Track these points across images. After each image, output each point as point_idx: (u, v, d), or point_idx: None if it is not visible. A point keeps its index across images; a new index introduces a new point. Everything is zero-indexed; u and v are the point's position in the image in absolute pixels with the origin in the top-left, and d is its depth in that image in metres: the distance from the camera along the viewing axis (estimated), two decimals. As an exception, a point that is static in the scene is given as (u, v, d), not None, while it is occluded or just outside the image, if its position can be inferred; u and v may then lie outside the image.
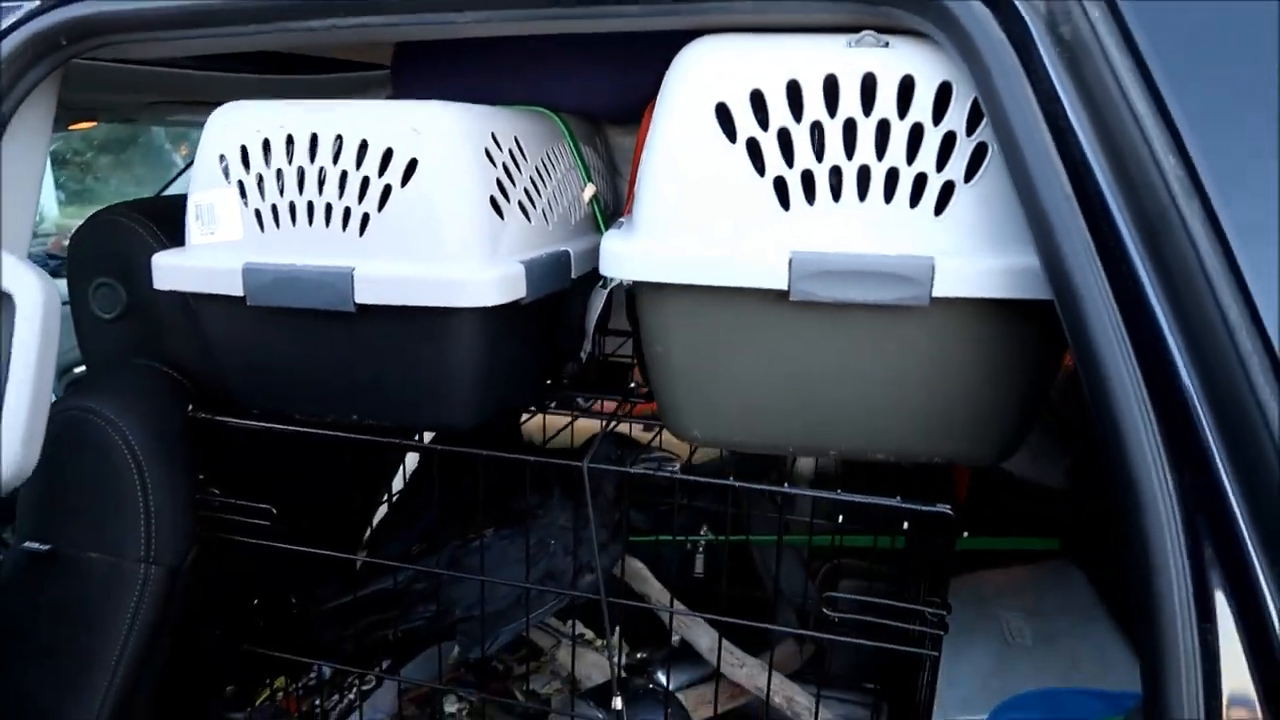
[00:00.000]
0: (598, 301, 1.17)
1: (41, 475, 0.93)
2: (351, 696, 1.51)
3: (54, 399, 0.92)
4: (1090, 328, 0.66)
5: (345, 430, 1.05)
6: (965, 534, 1.50)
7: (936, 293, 0.78)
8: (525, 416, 1.47)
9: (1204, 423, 0.62)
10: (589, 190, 1.15)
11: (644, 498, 1.57)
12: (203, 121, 0.97)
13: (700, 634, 1.44)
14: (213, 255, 0.96)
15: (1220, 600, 0.62)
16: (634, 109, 1.13)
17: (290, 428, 1.07)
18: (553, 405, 1.33)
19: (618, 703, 1.06)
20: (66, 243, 1.21)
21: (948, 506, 0.87)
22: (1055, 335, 0.69)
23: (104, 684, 1.06)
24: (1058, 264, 0.67)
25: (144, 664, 1.07)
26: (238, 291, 0.93)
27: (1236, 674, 0.61)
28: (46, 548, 1.08)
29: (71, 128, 2.18)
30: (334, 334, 0.94)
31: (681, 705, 1.21)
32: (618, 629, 1.55)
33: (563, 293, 1.04)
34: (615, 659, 1.42)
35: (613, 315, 1.25)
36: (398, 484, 1.54)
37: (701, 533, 1.67)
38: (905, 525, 1.22)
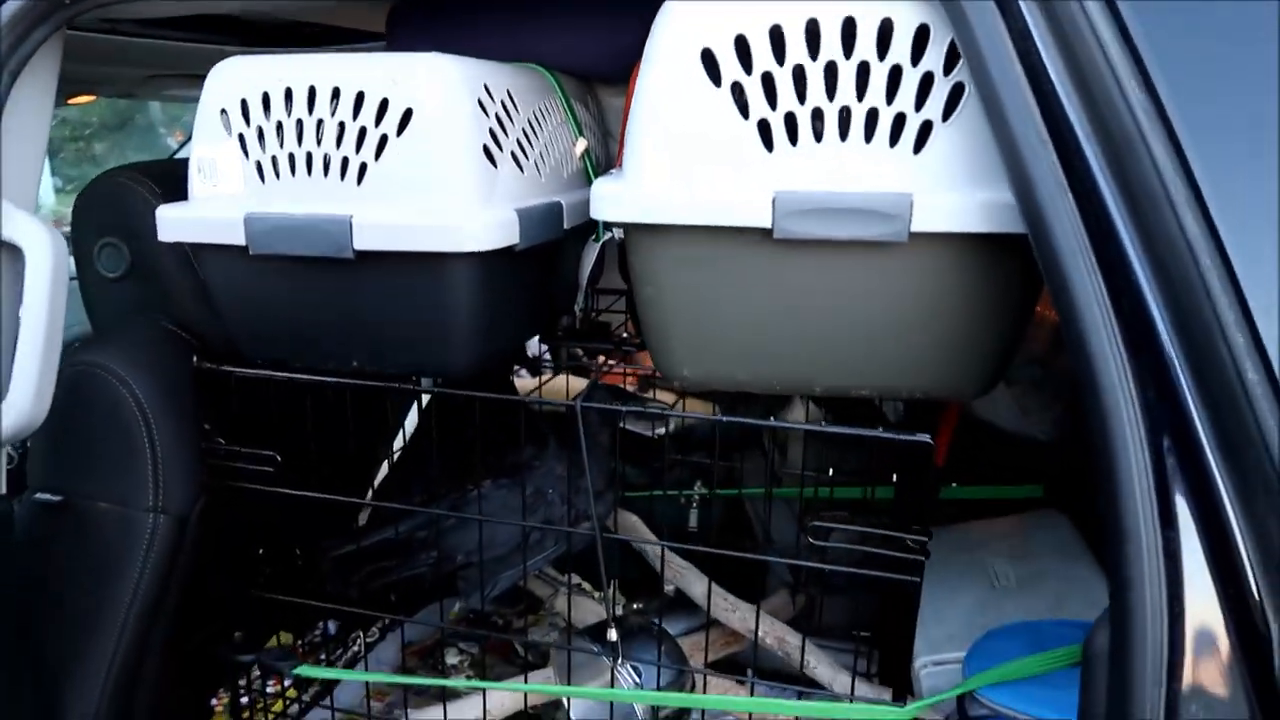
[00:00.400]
0: (590, 255, 1.20)
1: (52, 428, 0.96)
2: (356, 649, 1.55)
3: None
4: (1061, 257, 0.68)
5: (346, 378, 1.08)
6: (954, 485, 1.54)
7: (915, 228, 0.80)
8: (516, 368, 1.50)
9: (1168, 342, 0.65)
10: (580, 144, 1.17)
11: (639, 454, 1.60)
12: (197, 96, 0.99)
13: (693, 580, 1.47)
14: (215, 206, 0.98)
15: (1182, 508, 0.65)
16: (624, 69, 1.15)
17: (292, 375, 1.09)
18: (545, 352, 1.36)
19: (613, 634, 1.09)
20: (67, 229, 1.24)
21: (927, 435, 0.90)
22: (1032, 270, 0.72)
23: (116, 630, 1.09)
24: (1030, 197, 0.70)
25: (155, 610, 1.10)
26: (240, 241, 0.96)
27: (1198, 577, 0.65)
28: (58, 498, 1.11)
29: (70, 102, 2.20)
30: (333, 281, 0.97)
31: (676, 644, 1.24)
32: (614, 582, 1.59)
33: (556, 244, 1.07)
34: (609, 594, 1.46)
35: (605, 274, 1.28)
36: (398, 457, 1.56)
37: (695, 488, 1.70)
38: (895, 478, 1.25)
